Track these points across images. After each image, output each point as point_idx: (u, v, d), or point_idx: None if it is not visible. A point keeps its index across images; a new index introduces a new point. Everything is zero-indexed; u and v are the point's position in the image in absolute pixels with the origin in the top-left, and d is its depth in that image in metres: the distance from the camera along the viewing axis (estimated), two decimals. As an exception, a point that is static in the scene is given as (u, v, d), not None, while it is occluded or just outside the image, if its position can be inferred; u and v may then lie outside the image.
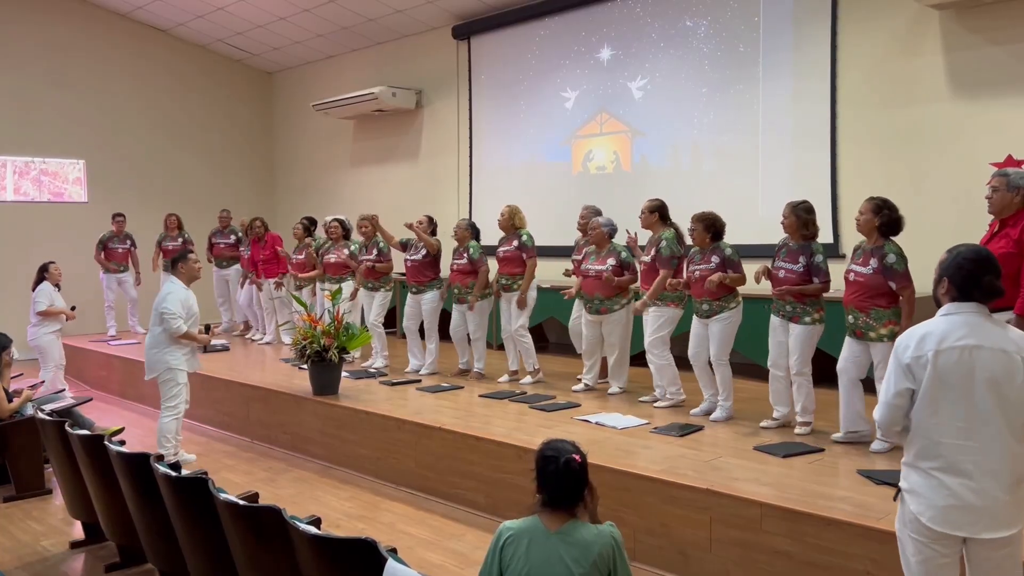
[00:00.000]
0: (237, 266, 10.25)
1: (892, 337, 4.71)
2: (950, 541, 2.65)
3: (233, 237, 10.46)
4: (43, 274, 8.19)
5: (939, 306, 2.78)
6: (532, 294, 7.03)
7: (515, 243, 6.97)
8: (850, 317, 4.86)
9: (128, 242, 10.59)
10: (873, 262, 4.75)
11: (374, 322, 7.92)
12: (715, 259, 5.55)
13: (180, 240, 10.56)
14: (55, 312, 8.10)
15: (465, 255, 7.15)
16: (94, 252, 10.48)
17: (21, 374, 7.80)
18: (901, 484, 2.75)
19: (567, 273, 7.20)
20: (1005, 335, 2.65)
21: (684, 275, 5.86)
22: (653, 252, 6.02)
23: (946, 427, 2.63)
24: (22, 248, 11.06)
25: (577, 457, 2.53)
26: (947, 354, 2.62)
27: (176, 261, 6.08)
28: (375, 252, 7.90)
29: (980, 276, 2.67)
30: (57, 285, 8.21)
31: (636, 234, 6.46)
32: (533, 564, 2.44)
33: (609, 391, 6.50)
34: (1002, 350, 2.61)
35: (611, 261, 6.32)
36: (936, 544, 2.66)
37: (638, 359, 6.67)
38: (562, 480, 2.52)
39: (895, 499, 2.76)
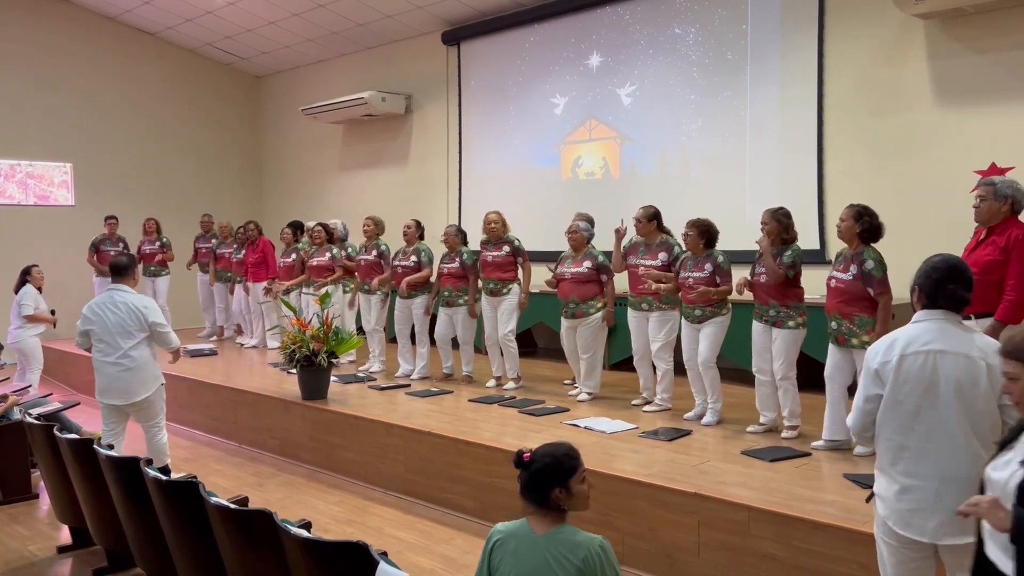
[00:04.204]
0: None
1: None
2: (919, 545, 2.67)
3: (215, 241, 10.44)
4: (26, 277, 8.15)
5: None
6: (514, 300, 6.99)
7: (506, 248, 6.98)
8: (833, 323, 4.89)
9: (120, 245, 10.54)
10: (853, 268, 4.79)
11: (374, 327, 7.93)
12: (708, 266, 5.59)
13: (158, 244, 10.52)
14: (40, 317, 8.08)
15: (458, 260, 7.16)
16: (87, 255, 10.42)
17: (8, 378, 7.77)
18: (875, 488, 2.78)
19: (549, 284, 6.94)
20: (971, 341, 2.69)
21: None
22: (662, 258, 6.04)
23: (910, 431, 2.66)
24: (7, 252, 10.99)
25: (526, 454, 2.54)
26: (911, 358, 2.66)
27: (129, 268, 5.44)
28: (375, 253, 7.91)
29: (946, 284, 2.72)
30: (39, 288, 8.17)
31: (627, 227, 6.31)
32: (521, 567, 2.45)
33: (579, 397, 6.47)
34: (966, 355, 2.65)
35: (587, 264, 6.35)
36: (906, 548, 2.69)
37: (624, 364, 6.70)
38: (519, 474, 2.55)
39: (868, 501, 2.79)
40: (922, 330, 2.71)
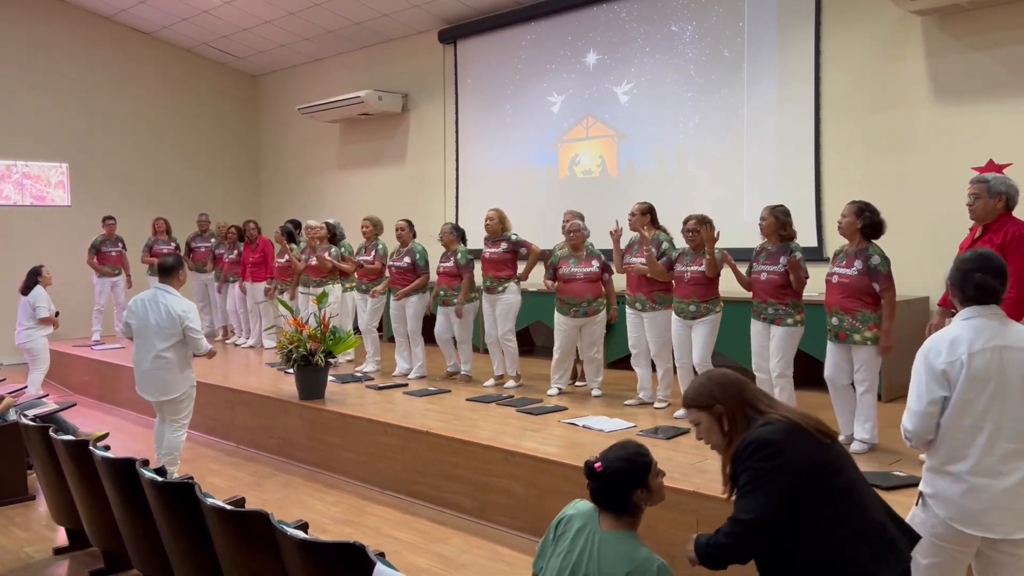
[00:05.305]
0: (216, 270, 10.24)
1: (876, 341, 4.75)
2: (970, 542, 2.65)
3: (213, 240, 10.42)
4: (36, 277, 8.14)
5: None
6: (511, 299, 7.00)
7: (503, 245, 6.98)
8: (834, 319, 4.87)
9: (120, 245, 10.53)
10: (858, 264, 4.79)
11: (367, 326, 7.92)
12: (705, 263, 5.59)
13: (173, 244, 10.51)
14: (50, 319, 8.08)
15: (452, 259, 7.16)
16: (87, 256, 10.39)
17: (4, 379, 7.75)
18: (924, 489, 2.74)
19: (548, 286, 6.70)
20: (1022, 334, 2.68)
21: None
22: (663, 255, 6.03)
23: (979, 430, 2.63)
24: (4, 252, 10.97)
25: (597, 464, 2.49)
26: (980, 356, 2.63)
27: (175, 268, 5.54)
28: (373, 254, 7.90)
29: (973, 273, 2.70)
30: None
31: (621, 228, 6.29)
32: (574, 551, 2.44)
33: (593, 393, 6.51)
34: None
35: (595, 263, 6.40)
36: (955, 546, 2.67)
37: (622, 363, 6.68)
38: (588, 483, 2.52)
39: (917, 504, 2.75)
40: (979, 327, 2.67)
